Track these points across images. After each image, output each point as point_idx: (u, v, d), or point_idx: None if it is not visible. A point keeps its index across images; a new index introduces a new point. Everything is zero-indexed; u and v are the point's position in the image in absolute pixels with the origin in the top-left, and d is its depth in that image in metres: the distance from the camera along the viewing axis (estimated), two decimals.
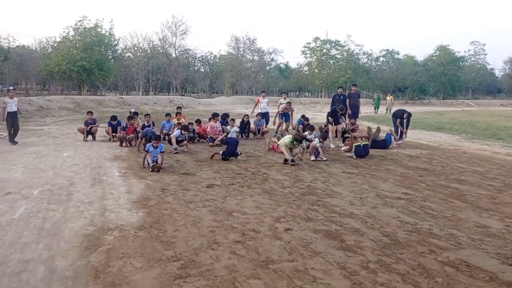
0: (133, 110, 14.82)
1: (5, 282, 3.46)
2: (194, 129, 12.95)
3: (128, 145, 11.56)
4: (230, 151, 9.52)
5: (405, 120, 13.11)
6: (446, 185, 7.23)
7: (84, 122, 13.19)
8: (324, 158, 9.66)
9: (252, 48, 71.34)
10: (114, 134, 12.45)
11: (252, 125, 14.28)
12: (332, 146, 11.77)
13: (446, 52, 71.69)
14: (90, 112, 13.36)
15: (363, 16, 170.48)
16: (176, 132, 10.90)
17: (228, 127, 12.64)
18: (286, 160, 9.06)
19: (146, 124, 12.51)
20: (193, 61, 74.90)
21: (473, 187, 7.10)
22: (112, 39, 48.95)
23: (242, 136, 13.27)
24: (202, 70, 76.55)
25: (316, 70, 67.82)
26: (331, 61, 67.79)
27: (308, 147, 9.77)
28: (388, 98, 35.17)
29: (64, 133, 14.96)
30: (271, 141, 11.30)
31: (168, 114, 13.71)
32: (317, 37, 68.05)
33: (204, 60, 75.92)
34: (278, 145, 10.26)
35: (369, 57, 75.62)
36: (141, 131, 12.31)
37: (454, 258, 4.00)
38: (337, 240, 4.42)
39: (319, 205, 5.82)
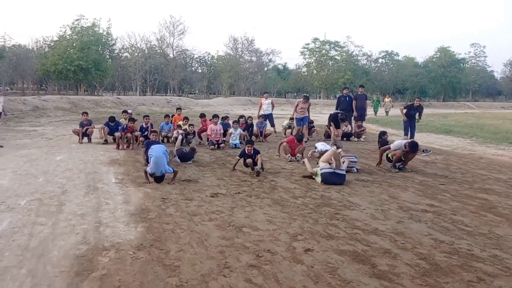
0: (129, 111, 14.18)
1: None
2: (194, 131, 12.37)
3: (127, 147, 10.95)
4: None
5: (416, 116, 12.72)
6: (472, 195, 6.66)
7: (79, 123, 12.56)
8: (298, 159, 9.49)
9: (250, 49, 70.87)
10: (112, 135, 11.83)
11: (254, 127, 13.68)
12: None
13: (447, 53, 71.37)
14: (85, 113, 12.71)
15: (362, 17, 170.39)
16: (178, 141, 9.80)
17: (231, 129, 12.01)
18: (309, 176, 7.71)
19: (144, 126, 11.91)
20: (190, 62, 74.34)
21: (501, 197, 6.53)
22: (110, 39, 48.34)
23: (244, 139, 12.65)
24: (200, 70, 76.00)
25: (315, 71, 67.31)
26: (330, 62, 67.32)
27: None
28: (386, 100, 34.18)
29: (59, 134, 14.31)
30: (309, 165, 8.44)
31: (167, 116, 13.10)
32: (316, 37, 67.62)
33: (201, 60, 75.39)
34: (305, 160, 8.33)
35: (369, 58, 75.25)
36: (139, 133, 11.73)
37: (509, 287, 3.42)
38: (367, 265, 3.82)
39: (338, 219, 5.23)
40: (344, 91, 15.00)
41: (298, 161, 9.45)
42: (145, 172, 7.09)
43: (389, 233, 4.74)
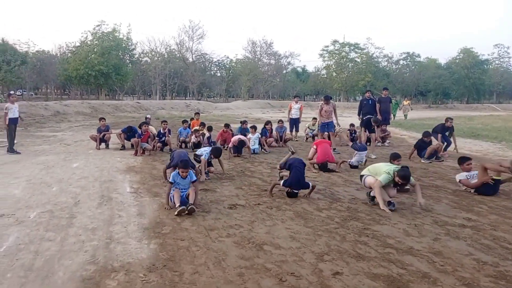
0: (148, 116, 14.03)
1: None
2: (209, 136, 12.07)
3: (142, 153, 10.74)
4: (295, 180, 6.41)
5: (447, 133, 11.51)
6: (511, 206, 6.09)
7: (97, 129, 12.44)
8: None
9: (269, 52, 70.46)
10: (129, 141, 11.67)
11: (274, 132, 13.31)
12: (373, 156, 10.74)
13: (470, 55, 69.36)
14: (102, 119, 12.59)
15: (381, 18, 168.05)
16: (205, 154, 7.93)
17: (250, 135, 11.64)
18: (388, 203, 5.88)
19: (162, 131, 11.70)
20: (209, 66, 74.57)
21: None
22: (130, 44, 48.87)
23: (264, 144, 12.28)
24: (219, 74, 76.19)
25: (335, 74, 66.50)
26: (350, 64, 66.38)
27: None
28: (405, 102, 32.12)
29: (78, 140, 14.27)
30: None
31: (185, 121, 12.86)
32: (335, 40, 66.86)
33: (220, 64, 75.56)
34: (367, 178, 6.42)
35: (389, 60, 73.89)
36: (157, 138, 11.52)
37: None
38: None
39: (367, 235, 4.78)
40: (367, 94, 14.42)
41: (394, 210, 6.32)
42: (168, 194, 5.85)
43: (426, 252, 4.27)
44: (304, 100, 71.11)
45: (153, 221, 5.21)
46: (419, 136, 16.02)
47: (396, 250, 4.33)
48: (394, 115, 30.62)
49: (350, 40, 67.80)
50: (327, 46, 67.70)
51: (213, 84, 72.08)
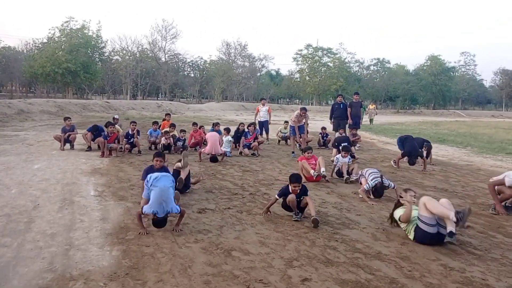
0: (116, 117, 13.63)
1: None
2: (185, 138, 11.89)
3: (110, 154, 10.40)
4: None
5: (424, 152, 10.33)
6: (476, 211, 6.24)
7: (61, 129, 11.95)
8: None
9: (243, 54, 70.60)
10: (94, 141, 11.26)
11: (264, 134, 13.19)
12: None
13: (437, 62, 71.90)
14: (68, 118, 12.09)
15: (354, 24, 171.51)
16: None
17: (223, 137, 11.49)
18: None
19: (130, 132, 11.37)
20: (183, 66, 73.77)
21: (509, 215, 6.12)
22: (100, 41, 47.64)
23: (236, 147, 12.17)
24: (192, 75, 75.45)
25: (308, 78, 67.27)
26: (322, 69, 67.38)
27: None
28: (371, 106, 31.09)
29: (41, 140, 13.67)
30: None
31: (155, 122, 12.56)
32: (309, 44, 67.73)
33: (194, 65, 74.87)
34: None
35: (361, 66, 75.51)
36: (125, 139, 11.19)
37: None
38: None
39: (337, 240, 4.76)
40: (338, 99, 14.61)
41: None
42: (139, 215, 4.84)
43: (393, 257, 4.28)
44: (278, 103, 71.51)
45: (117, 226, 5.00)
46: (389, 140, 16.45)
47: (365, 255, 4.32)
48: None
49: (323, 45, 68.66)
50: (301, 50, 68.55)
51: (186, 85, 71.37)
